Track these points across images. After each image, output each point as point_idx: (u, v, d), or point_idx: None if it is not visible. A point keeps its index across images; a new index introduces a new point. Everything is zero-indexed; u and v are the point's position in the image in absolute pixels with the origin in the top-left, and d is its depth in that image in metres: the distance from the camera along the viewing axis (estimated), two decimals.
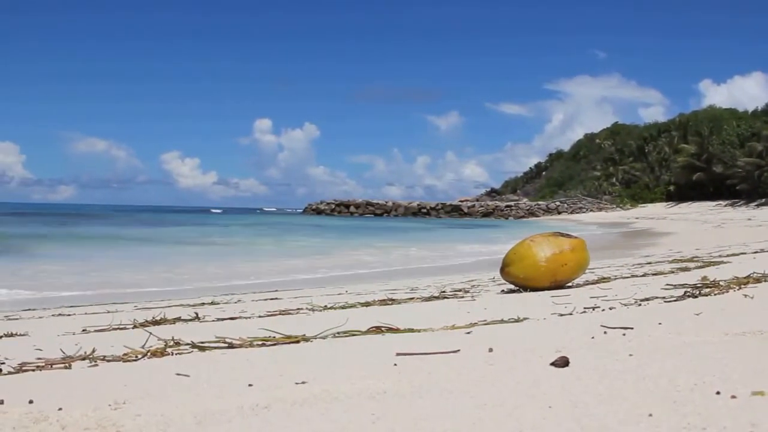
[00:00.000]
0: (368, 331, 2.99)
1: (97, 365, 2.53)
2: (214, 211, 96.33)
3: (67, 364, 2.56)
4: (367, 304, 4.73)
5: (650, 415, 1.35)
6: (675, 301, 3.66)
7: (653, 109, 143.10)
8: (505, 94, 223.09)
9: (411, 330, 3.01)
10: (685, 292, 3.91)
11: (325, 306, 4.65)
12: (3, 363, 2.67)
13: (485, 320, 3.27)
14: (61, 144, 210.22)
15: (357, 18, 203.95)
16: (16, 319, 5.56)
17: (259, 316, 4.32)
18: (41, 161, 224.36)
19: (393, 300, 5.00)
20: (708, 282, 4.27)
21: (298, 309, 4.64)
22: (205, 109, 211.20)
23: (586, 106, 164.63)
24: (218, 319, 4.26)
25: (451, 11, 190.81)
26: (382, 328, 3.02)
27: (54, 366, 2.54)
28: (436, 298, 5.06)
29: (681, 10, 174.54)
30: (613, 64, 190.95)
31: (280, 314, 4.42)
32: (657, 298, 3.84)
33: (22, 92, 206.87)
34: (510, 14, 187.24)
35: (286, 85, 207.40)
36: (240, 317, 4.35)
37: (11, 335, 3.93)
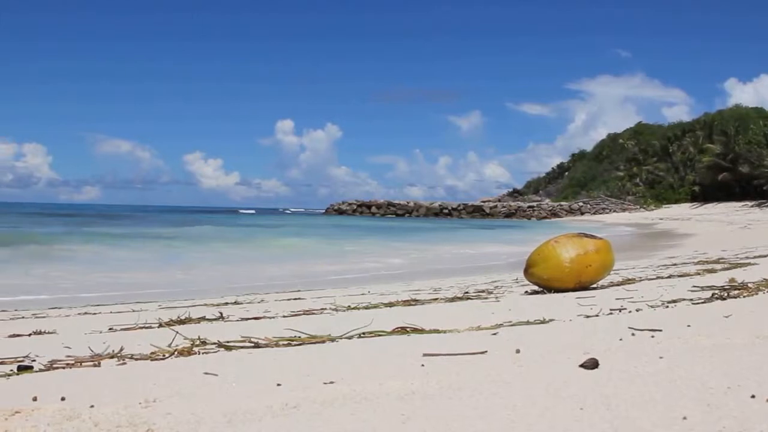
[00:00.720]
0: (393, 332, 2.99)
1: (125, 363, 2.56)
2: (243, 211, 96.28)
3: (96, 362, 2.59)
4: (390, 305, 4.73)
5: (684, 418, 1.34)
6: (703, 303, 3.62)
7: (677, 108, 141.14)
8: (527, 94, 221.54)
9: (436, 331, 3.00)
10: (713, 294, 3.86)
11: (349, 306, 4.66)
12: (34, 360, 2.71)
13: (510, 321, 3.25)
14: (87, 145, 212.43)
15: (379, 18, 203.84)
16: (44, 317, 5.63)
17: (283, 316, 4.33)
18: (67, 162, 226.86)
19: (416, 301, 5.00)
20: (736, 284, 4.22)
21: (322, 309, 4.65)
22: (228, 109, 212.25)
23: (609, 105, 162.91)
24: (242, 319, 4.29)
25: (474, 11, 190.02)
26: (408, 329, 3.02)
27: (83, 364, 2.58)
28: (460, 298, 5.05)
29: (706, 8, 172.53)
30: (636, 64, 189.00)
31: (303, 314, 4.43)
32: (684, 300, 3.79)
33: (49, 93, 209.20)
34: (532, 14, 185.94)
35: (308, 86, 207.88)
36: (264, 317, 4.37)
37: (40, 333, 3.98)
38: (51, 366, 2.55)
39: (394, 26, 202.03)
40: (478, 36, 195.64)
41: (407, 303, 4.86)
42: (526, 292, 5.30)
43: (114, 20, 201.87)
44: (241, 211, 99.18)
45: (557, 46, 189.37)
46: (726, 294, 3.82)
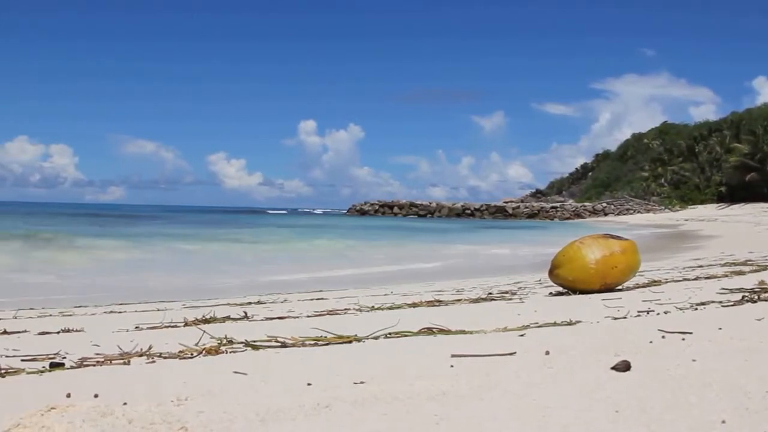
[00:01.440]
0: (419, 332, 2.98)
1: (154, 362, 2.58)
2: (272, 212, 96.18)
3: (125, 360, 2.61)
4: (414, 305, 4.73)
5: (723, 422, 1.32)
6: (732, 305, 3.57)
7: (704, 107, 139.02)
8: (551, 93, 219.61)
9: (462, 332, 2.99)
10: (743, 297, 3.81)
11: (372, 307, 4.66)
12: (64, 357, 2.75)
13: (537, 323, 3.23)
14: (112, 146, 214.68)
15: (402, 18, 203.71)
16: (70, 315, 5.70)
17: (307, 316, 4.35)
18: (93, 163, 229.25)
19: (440, 301, 4.99)
20: (766, 286, 4.16)
21: (346, 309, 4.66)
22: (251, 110, 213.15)
23: (634, 105, 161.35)
24: (267, 318, 4.30)
25: (498, 11, 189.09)
26: (434, 330, 3.01)
27: (113, 362, 2.60)
28: (484, 299, 5.03)
29: (733, 6, 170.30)
30: (661, 63, 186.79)
31: (327, 314, 4.44)
32: (713, 302, 3.75)
33: (75, 94, 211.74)
34: (556, 14, 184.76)
35: (331, 86, 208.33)
36: (288, 317, 4.39)
37: (68, 331, 4.03)
38: (82, 363, 2.58)
39: (417, 26, 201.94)
40: (501, 36, 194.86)
41: (431, 303, 4.85)
42: (551, 293, 5.27)
43: (139, 20, 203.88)
44: (269, 211, 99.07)
45: (582, 45, 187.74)
46: (756, 297, 3.77)
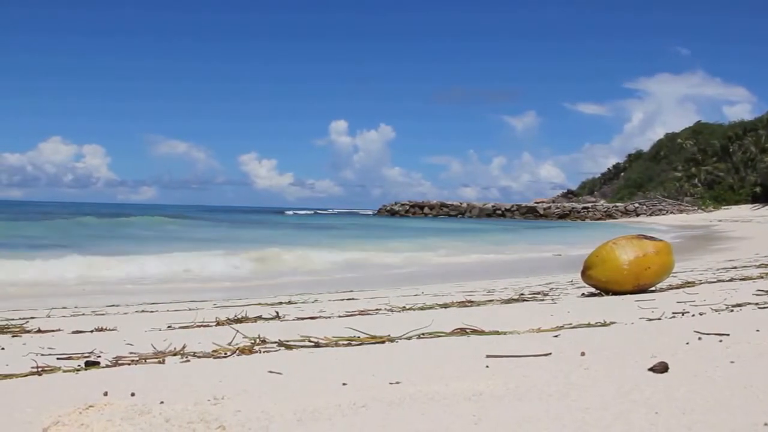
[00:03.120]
0: (452, 333, 2.97)
1: (188, 361, 2.60)
2: (290, 212, 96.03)
3: (160, 359, 2.64)
4: (445, 306, 4.71)
5: (766, 424, 1.29)
6: None
7: (739, 107, 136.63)
8: (584, 93, 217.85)
9: (496, 332, 2.98)
10: None
11: (404, 307, 4.66)
12: (99, 356, 2.78)
13: (571, 324, 3.20)
14: (144, 146, 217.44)
15: (433, 18, 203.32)
16: (103, 314, 5.78)
17: (339, 316, 4.36)
18: (125, 163, 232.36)
19: (471, 302, 4.97)
20: None
21: (377, 309, 4.66)
22: (283, 110, 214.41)
23: (668, 104, 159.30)
24: (298, 318, 4.32)
25: (529, 12, 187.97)
26: (467, 330, 3.00)
27: (148, 360, 2.63)
28: (515, 300, 5.01)
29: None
30: (696, 61, 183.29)
31: (359, 314, 4.45)
32: (749, 304, 3.69)
33: (107, 95, 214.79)
34: (588, 14, 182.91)
35: (362, 86, 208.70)
36: (320, 317, 4.40)
37: (101, 330, 4.09)
38: (117, 362, 2.61)
39: (448, 26, 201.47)
40: (533, 36, 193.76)
41: (462, 304, 4.84)
42: (583, 294, 5.22)
43: (174, 19, 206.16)
44: (287, 212, 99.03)
45: (615, 45, 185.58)
46: None
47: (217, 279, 12.36)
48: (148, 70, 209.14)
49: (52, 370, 2.46)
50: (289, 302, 6.13)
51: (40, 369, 2.44)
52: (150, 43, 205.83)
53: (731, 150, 76.62)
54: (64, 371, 2.44)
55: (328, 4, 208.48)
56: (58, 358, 2.75)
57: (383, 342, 2.83)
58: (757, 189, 66.53)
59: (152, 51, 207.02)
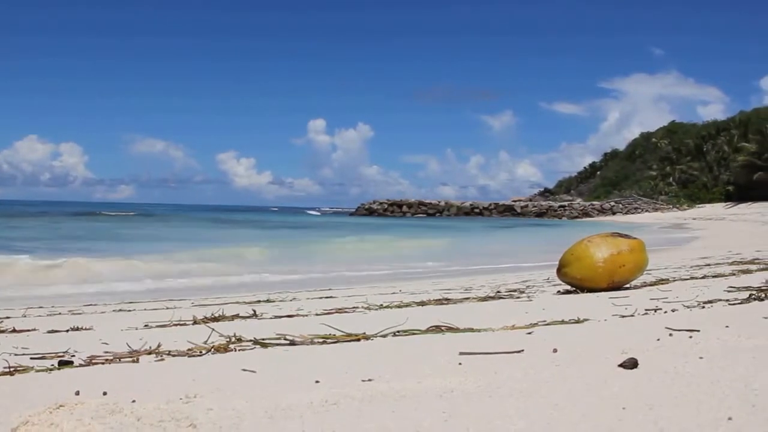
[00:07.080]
0: (428, 331, 2.99)
1: (163, 360, 2.59)
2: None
3: (134, 358, 2.63)
4: (422, 304, 4.74)
5: (729, 418, 1.32)
6: (740, 303, 3.57)
7: (712, 107, 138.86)
8: (560, 93, 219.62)
9: (471, 330, 3.00)
10: (750, 295, 3.80)
11: (381, 305, 4.67)
12: (73, 355, 2.76)
13: (545, 321, 3.23)
14: (121, 144, 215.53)
15: (411, 18, 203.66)
16: (80, 313, 5.73)
17: (316, 314, 4.36)
18: (102, 161, 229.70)
19: (448, 300, 4.99)
20: None
21: (354, 307, 4.67)
22: (261, 109, 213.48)
23: (642, 104, 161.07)
24: (276, 317, 4.31)
25: (506, 10, 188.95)
26: (442, 328, 3.02)
27: (122, 359, 2.61)
28: (492, 298, 5.04)
29: (742, 5, 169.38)
30: (670, 62, 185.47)
31: (336, 312, 4.45)
32: (720, 300, 3.74)
33: (84, 93, 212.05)
34: (564, 13, 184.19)
35: (340, 85, 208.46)
36: (297, 315, 4.40)
37: (77, 329, 4.05)
38: (90, 361, 2.59)
39: (426, 25, 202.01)
40: (510, 35, 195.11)
41: (439, 302, 4.86)
42: (559, 291, 5.27)
43: (149, 17, 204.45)
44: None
45: (591, 45, 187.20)
46: (764, 295, 3.76)
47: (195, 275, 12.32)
48: (124, 68, 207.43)
49: (25, 369, 2.43)
50: (268, 300, 6.11)
51: (12, 369, 2.41)
52: (127, 42, 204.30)
53: (705, 149, 77.55)
54: (37, 371, 2.42)
55: (307, 3, 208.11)
56: (31, 358, 2.72)
57: (359, 340, 2.84)
58: (730, 188, 67.35)
59: (129, 49, 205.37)
